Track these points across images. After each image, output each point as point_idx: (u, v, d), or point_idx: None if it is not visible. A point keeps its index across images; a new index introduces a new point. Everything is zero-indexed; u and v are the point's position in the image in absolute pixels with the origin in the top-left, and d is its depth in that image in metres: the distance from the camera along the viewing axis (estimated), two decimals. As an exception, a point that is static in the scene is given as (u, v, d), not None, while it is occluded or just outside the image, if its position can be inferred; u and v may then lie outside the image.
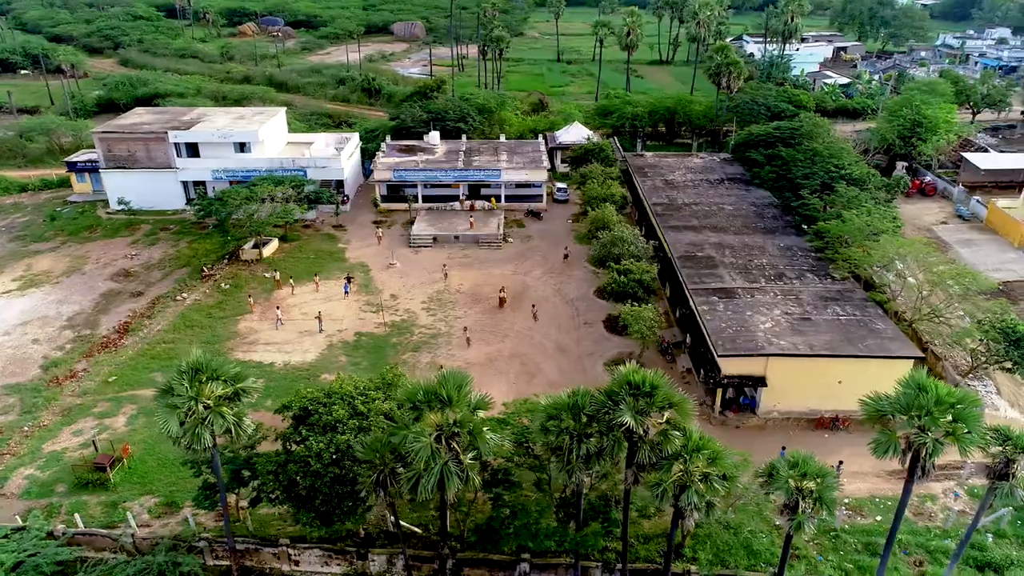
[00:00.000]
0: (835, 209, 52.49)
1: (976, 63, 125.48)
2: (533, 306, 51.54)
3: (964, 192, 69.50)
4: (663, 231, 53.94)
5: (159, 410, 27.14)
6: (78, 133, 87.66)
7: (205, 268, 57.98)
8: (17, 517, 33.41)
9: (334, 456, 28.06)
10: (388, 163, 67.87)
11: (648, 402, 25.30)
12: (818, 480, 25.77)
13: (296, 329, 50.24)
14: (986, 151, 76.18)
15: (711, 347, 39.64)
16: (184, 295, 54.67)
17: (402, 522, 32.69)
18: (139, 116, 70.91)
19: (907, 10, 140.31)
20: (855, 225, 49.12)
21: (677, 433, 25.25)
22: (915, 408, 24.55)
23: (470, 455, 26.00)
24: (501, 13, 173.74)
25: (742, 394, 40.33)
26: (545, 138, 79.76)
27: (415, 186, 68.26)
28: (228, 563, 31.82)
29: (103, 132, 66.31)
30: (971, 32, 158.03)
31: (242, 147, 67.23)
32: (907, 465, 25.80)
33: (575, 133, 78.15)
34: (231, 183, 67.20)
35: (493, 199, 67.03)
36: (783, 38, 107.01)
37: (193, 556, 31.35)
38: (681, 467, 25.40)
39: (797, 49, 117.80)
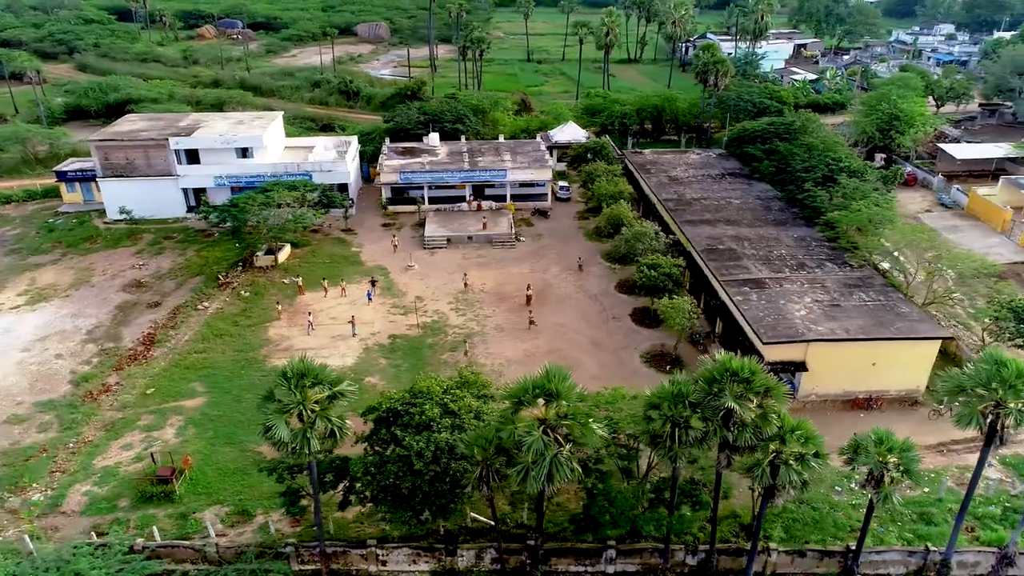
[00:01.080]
0: (842, 200, 54.96)
1: (929, 58, 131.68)
2: (530, 311, 51.60)
3: (943, 181, 73.34)
4: (680, 226, 55.61)
5: (267, 416, 27.18)
6: (55, 141, 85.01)
7: (220, 276, 57.25)
8: (93, 533, 32.89)
9: (435, 454, 28.60)
10: (394, 165, 67.99)
11: (746, 388, 26.68)
12: (902, 453, 27.56)
13: (328, 334, 50.20)
14: (958, 142, 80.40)
15: (754, 335, 41.37)
16: (205, 304, 53.93)
17: (475, 515, 33.46)
18: (133, 123, 69.27)
19: (860, 7, 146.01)
20: (865, 215, 51.71)
21: (775, 416, 26.68)
22: (996, 381, 26.41)
23: (568, 447, 26.96)
24: (466, 14, 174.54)
25: (781, 379, 42.04)
26: (543, 137, 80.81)
27: (420, 188, 68.55)
28: (313, 567, 32.00)
29: (100, 140, 64.61)
30: (916, 28, 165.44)
31: (244, 153, 66.40)
32: (985, 434, 27.65)
33: (569, 132, 79.49)
34: (232, 189, 66.48)
35: (511, 203, 67.81)
36: (754, 36, 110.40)
37: (281, 562, 31.42)
38: (777, 447, 26.88)
39: (762, 47, 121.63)
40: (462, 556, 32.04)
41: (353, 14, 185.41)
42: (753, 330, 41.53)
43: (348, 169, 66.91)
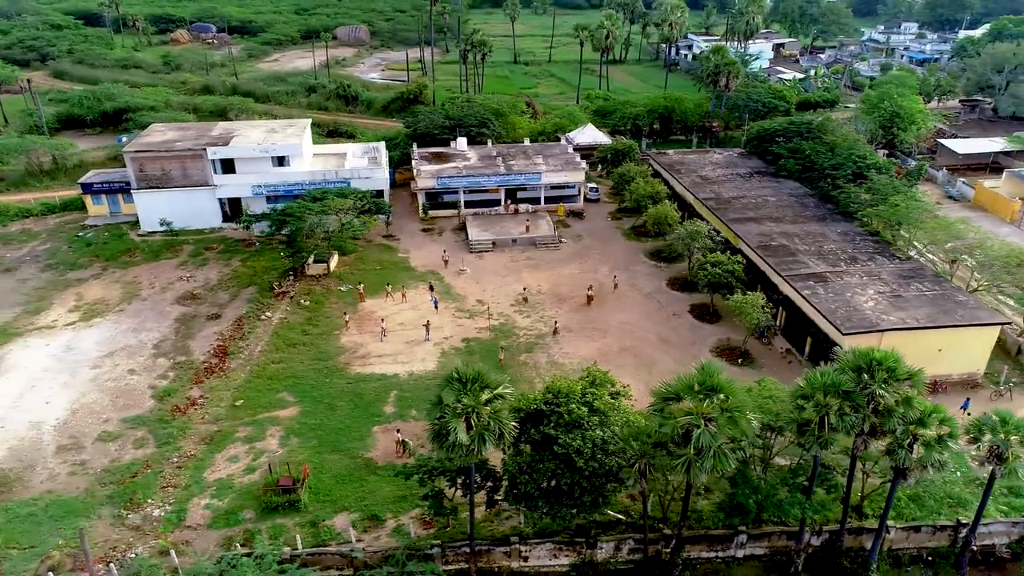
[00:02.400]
0: (875, 196, 57.89)
1: (902, 56, 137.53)
2: (555, 323, 51.74)
3: (948, 175, 77.40)
4: (727, 224, 57.78)
5: (440, 422, 28.03)
6: (61, 152, 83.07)
7: (275, 286, 57.22)
8: (238, 544, 33.20)
9: (591, 451, 29.90)
10: (431, 170, 68.66)
11: (890, 375, 28.68)
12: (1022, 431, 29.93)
13: (401, 340, 50.82)
14: (955, 137, 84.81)
15: (832, 326, 43.65)
16: (267, 314, 53.94)
17: (607, 511, 34.81)
18: (163, 134, 68.32)
19: (832, 7, 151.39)
20: (906, 210, 54.74)
21: (919, 402, 28.76)
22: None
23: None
24: (439, 16, 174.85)
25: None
26: (558, 139, 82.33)
27: (454, 192, 69.38)
28: (457, 567, 32.91)
29: (136, 151, 63.64)
30: (881, 27, 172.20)
31: (280, 161, 66.23)
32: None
33: (590, 135, 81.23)
34: (268, 198, 66.31)
35: (560, 206, 69.23)
36: (744, 37, 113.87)
37: (430, 563, 32.27)
38: (915, 430, 28.98)
39: (746, 48, 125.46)
40: (601, 548, 33.37)
41: (329, 17, 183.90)
42: (830, 322, 43.82)
43: (385, 175, 67.24)
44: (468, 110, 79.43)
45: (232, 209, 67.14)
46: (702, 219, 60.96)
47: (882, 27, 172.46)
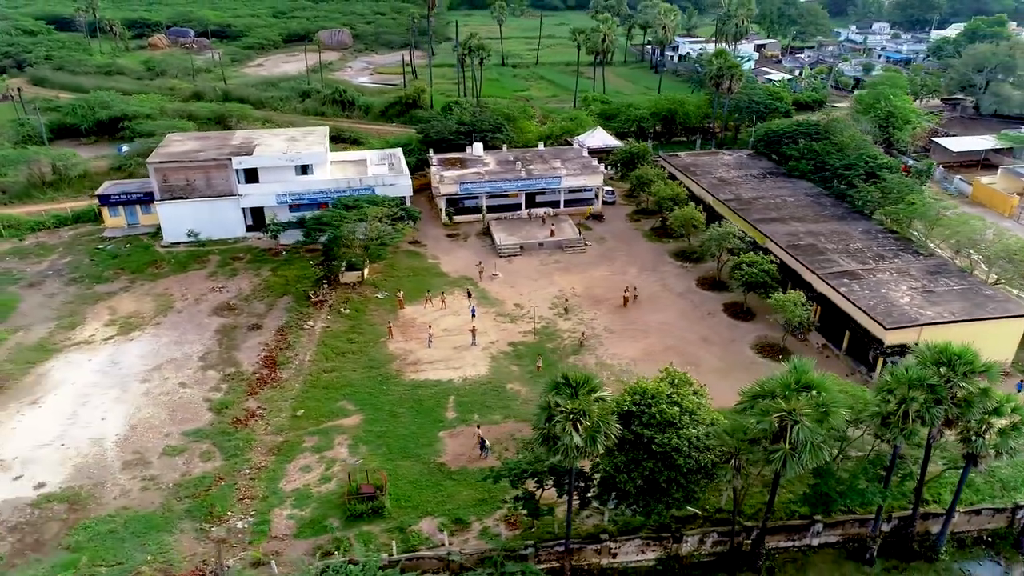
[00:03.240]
0: (893, 195, 60.24)
1: (879, 56, 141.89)
2: (583, 334, 52.20)
3: (945, 172, 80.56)
4: (753, 225, 59.60)
5: (548, 425, 28.94)
6: (64, 162, 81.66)
7: (311, 295, 57.39)
8: (336, 553, 33.70)
9: (688, 449, 31.14)
10: (454, 176, 69.35)
11: (970, 368, 30.46)
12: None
13: (448, 346, 51.48)
14: (948, 135, 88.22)
15: (874, 322, 45.59)
16: (310, 323, 54.17)
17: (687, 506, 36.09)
18: (182, 144, 67.79)
19: (809, 8, 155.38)
20: (924, 209, 57.20)
21: (996, 393, 30.59)
22: None
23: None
24: (422, 19, 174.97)
25: (895, 362, 46.54)
26: (567, 143, 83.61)
27: (475, 197, 70.15)
28: (548, 566, 33.86)
29: (160, 162, 63.09)
30: (853, 27, 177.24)
31: (304, 170, 66.29)
32: None
33: (600, 138, 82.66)
34: (291, 207, 66.33)
35: (588, 208, 70.56)
36: (734, 39, 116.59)
37: (527, 563, 33.17)
38: (989, 419, 30.83)
39: (736, 50, 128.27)
40: (686, 542, 34.65)
41: (309, 20, 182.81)
42: (872, 318, 45.78)
43: (408, 182, 67.74)
44: (480, 115, 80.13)
45: (254, 218, 66.92)
46: (723, 220, 62.73)
47: (854, 27, 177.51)
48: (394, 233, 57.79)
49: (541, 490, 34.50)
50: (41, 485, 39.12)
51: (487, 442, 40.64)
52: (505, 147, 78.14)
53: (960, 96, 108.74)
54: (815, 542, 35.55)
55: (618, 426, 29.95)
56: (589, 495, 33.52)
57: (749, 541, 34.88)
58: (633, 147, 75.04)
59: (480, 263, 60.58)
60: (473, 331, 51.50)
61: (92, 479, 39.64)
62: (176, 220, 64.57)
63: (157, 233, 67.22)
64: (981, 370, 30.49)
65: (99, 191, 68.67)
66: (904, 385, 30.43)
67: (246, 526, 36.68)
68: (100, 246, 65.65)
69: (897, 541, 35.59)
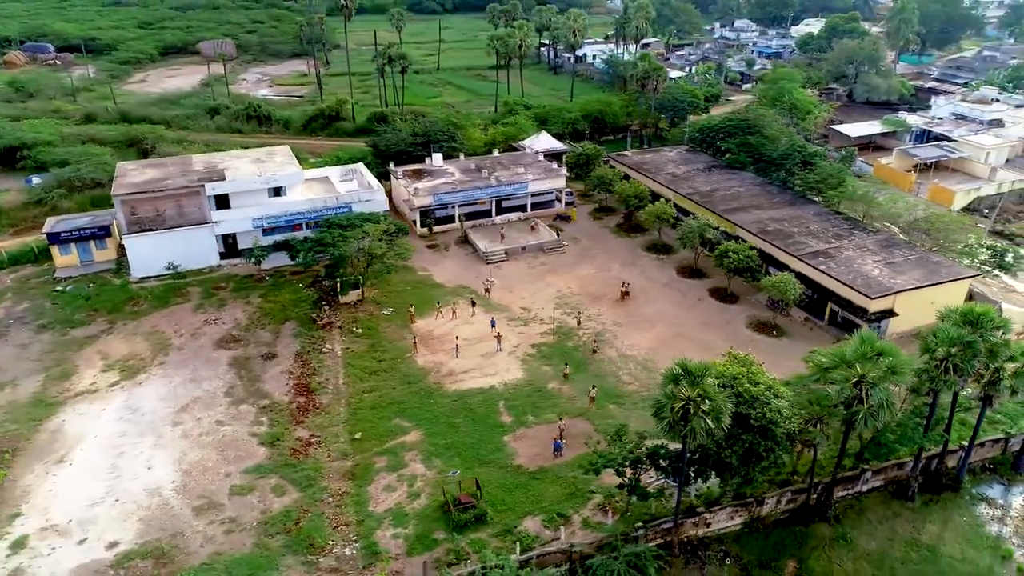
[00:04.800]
0: (830, 180, 68.04)
1: (752, 51, 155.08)
2: (594, 342, 53.62)
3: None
4: (721, 215, 65.24)
5: (672, 412, 31.94)
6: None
7: (317, 318, 56.81)
8: (471, 562, 34.89)
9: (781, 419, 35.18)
10: (427, 188, 70.28)
11: (993, 325, 36.60)
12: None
13: (475, 354, 52.99)
14: (842, 123, 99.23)
15: (858, 293, 52.09)
16: (328, 346, 53.80)
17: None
18: (139, 173, 64.07)
19: (684, 8, 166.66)
20: (860, 192, 65.28)
21: (1012, 343, 36.92)
22: None
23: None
24: (309, 26, 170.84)
25: (877, 326, 53.42)
26: (513, 148, 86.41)
27: (445, 207, 71.47)
28: (657, 543, 36.89)
29: (127, 194, 59.57)
30: (717, 24, 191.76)
31: (277, 192, 64.94)
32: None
33: (545, 142, 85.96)
34: (264, 231, 64.87)
35: (573, 211, 73.51)
36: (635, 41, 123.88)
37: (642, 544, 35.99)
38: (1002, 364, 37.20)
39: (637, 51, 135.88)
40: (766, 504, 38.85)
41: (184, 31, 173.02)
42: (855, 289, 52.29)
43: (384, 197, 67.99)
44: (431, 125, 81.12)
45: (226, 246, 64.69)
46: (688, 213, 68.14)
47: (718, 24, 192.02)
48: (399, 250, 58.13)
49: (637, 475, 37.38)
50: (114, 544, 37.27)
51: (562, 442, 42.89)
52: (463, 155, 79.68)
53: (834, 86, 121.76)
54: (865, 488, 40.90)
55: (730, 406, 33.40)
56: (692, 472, 36.74)
57: (815, 495, 39.58)
58: (587, 149, 78.96)
59: (487, 279, 61.52)
60: (498, 337, 53.34)
61: (167, 530, 38.20)
62: (146, 253, 61.25)
63: (119, 270, 63.42)
64: (1000, 326, 36.63)
65: (46, 228, 63.59)
66: (946, 344, 36.03)
67: (354, 552, 36.99)
68: (59, 288, 61.01)
69: (927, 478, 41.63)
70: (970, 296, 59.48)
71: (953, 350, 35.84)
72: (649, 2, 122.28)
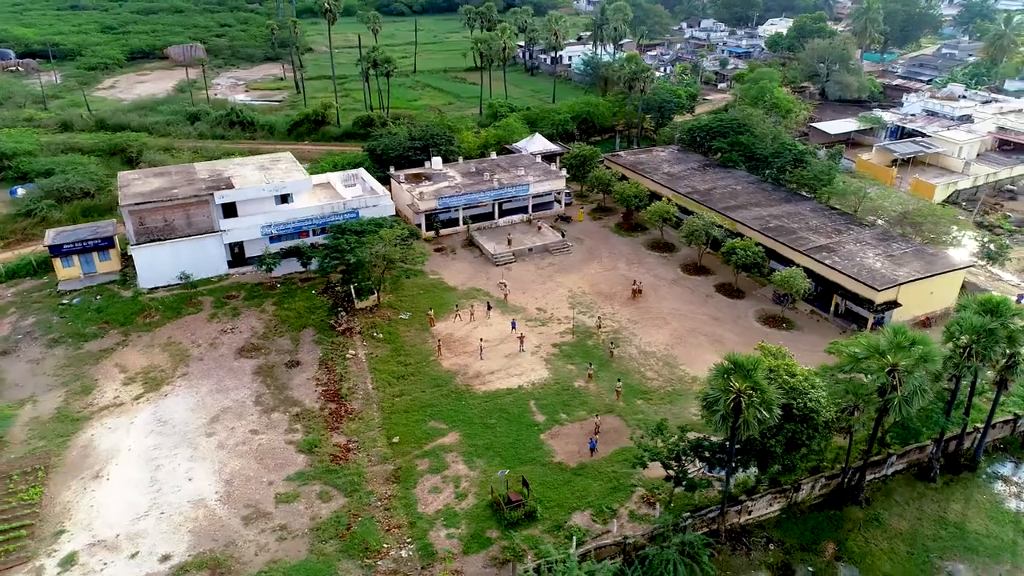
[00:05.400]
0: (823, 177, 70.56)
1: (722, 51, 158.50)
2: (612, 348, 53.77)
3: (828, 151, 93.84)
4: (722, 212, 67.08)
5: (723, 404, 33.30)
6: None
7: (335, 325, 56.93)
8: (527, 560, 35.72)
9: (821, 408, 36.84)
10: (432, 191, 70.75)
11: (1012, 312, 38.85)
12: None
13: (498, 355, 53.77)
14: (819, 120, 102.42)
15: (864, 286, 54.31)
16: (351, 352, 54.01)
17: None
18: (143, 183, 63.08)
19: (654, 10, 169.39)
20: (852, 188, 67.89)
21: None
22: None
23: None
24: (280, 29, 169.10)
25: (882, 317, 55.75)
26: (508, 150, 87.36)
27: (447, 211, 72.05)
28: (704, 530, 38.26)
29: (135, 204, 58.75)
30: (683, 24, 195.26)
31: (284, 199, 64.74)
32: None
33: (539, 144, 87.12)
34: (271, 238, 64.64)
35: (580, 212, 74.62)
36: (613, 42, 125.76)
37: (691, 533, 37.30)
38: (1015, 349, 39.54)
39: (616, 52, 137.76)
40: (802, 490, 40.54)
41: (150, 35, 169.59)
42: (862, 282, 54.52)
43: (390, 202, 68.25)
44: (428, 129, 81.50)
45: (233, 254, 64.27)
46: (688, 212, 69.89)
47: (684, 24, 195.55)
48: (415, 254, 58.53)
49: (683, 467, 38.66)
50: (167, 557, 37.16)
51: (595, 440, 43.99)
52: (461, 159, 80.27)
53: (806, 84, 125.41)
54: (890, 471, 42.92)
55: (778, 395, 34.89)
56: (734, 462, 38.16)
57: (845, 480, 41.43)
58: (584, 150, 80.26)
59: (505, 284, 62.03)
60: (521, 339, 54.21)
61: (218, 540, 38.21)
62: (155, 264, 60.58)
63: (126, 281, 62.58)
64: (1016, 313, 38.92)
65: (48, 240, 62.33)
66: (970, 332, 38.14)
67: (410, 553, 37.53)
68: (64, 301, 59.94)
69: (947, 459, 43.86)
70: (962, 286, 62.48)
71: (976, 337, 37.94)
72: (626, 3, 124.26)
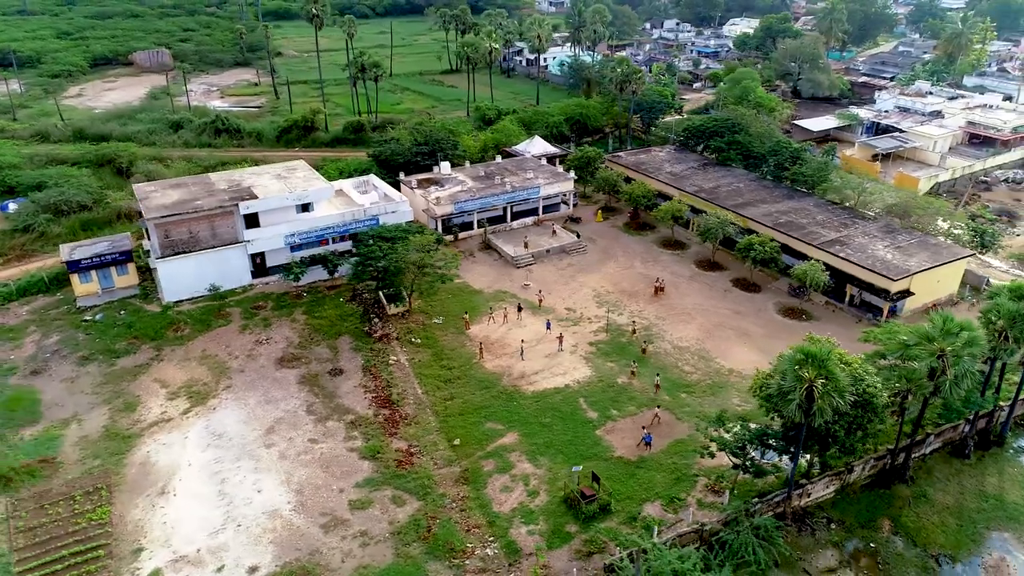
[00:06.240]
0: (821, 173, 73.80)
1: (691, 51, 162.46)
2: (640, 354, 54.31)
3: (814, 147, 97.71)
4: (733, 210, 69.49)
5: (796, 393, 35.25)
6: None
7: (371, 332, 57.34)
8: (617, 548, 37.09)
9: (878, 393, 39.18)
10: (447, 196, 71.50)
11: (1041, 297, 41.94)
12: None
13: (539, 356, 54.98)
14: (801, 118, 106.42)
15: (880, 276, 57.28)
16: (394, 358, 54.54)
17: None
18: (162, 195, 62.17)
19: (623, 11, 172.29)
20: (852, 183, 71.25)
21: (1054, 311, 42.34)
22: None
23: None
24: (249, 32, 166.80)
25: (895, 305, 58.84)
26: (507, 153, 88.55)
27: (462, 215, 72.94)
28: (771, 513, 40.26)
29: (161, 217, 58.00)
30: (647, 25, 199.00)
31: (305, 207, 64.71)
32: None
33: (540, 146, 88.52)
34: (291, 248, 64.55)
35: (599, 212, 76.18)
36: (592, 44, 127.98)
37: (761, 516, 39.23)
38: (1046, 332, 42.68)
39: (592, 53, 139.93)
40: (854, 471, 42.93)
41: (111, 41, 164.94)
42: (878, 273, 57.50)
43: (408, 208, 68.76)
44: (433, 134, 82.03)
45: (255, 264, 63.93)
46: (697, 211, 72.24)
47: (648, 24, 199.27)
48: (448, 259, 59.26)
49: (750, 455, 40.59)
50: (254, 569, 37.40)
51: (651, 435, 45.64)
52: (468, 163, 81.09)
53: (779, 83, 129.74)
54: (928, 450, 45.70)
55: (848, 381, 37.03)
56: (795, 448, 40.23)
57: (892, 460, 44.01)
58: (588, 151, 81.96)
59: (536, 289, 62.92)
60: (560, 339, 55.54)
61: (302, 549, 38.58)
62: (179, 276, 59.93)
63: (147, 295, 61.77)
64: (1046, 297, 42.02)
65: (65, 256, 61.02)
66: (1007, 317, 41.03)
67: (495, 551, 38.53)
68: (87, 317, 58.85)
69: (978, 434, 46.94)
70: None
71: (1012, 321, 40.86)
72: (604, 7, 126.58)
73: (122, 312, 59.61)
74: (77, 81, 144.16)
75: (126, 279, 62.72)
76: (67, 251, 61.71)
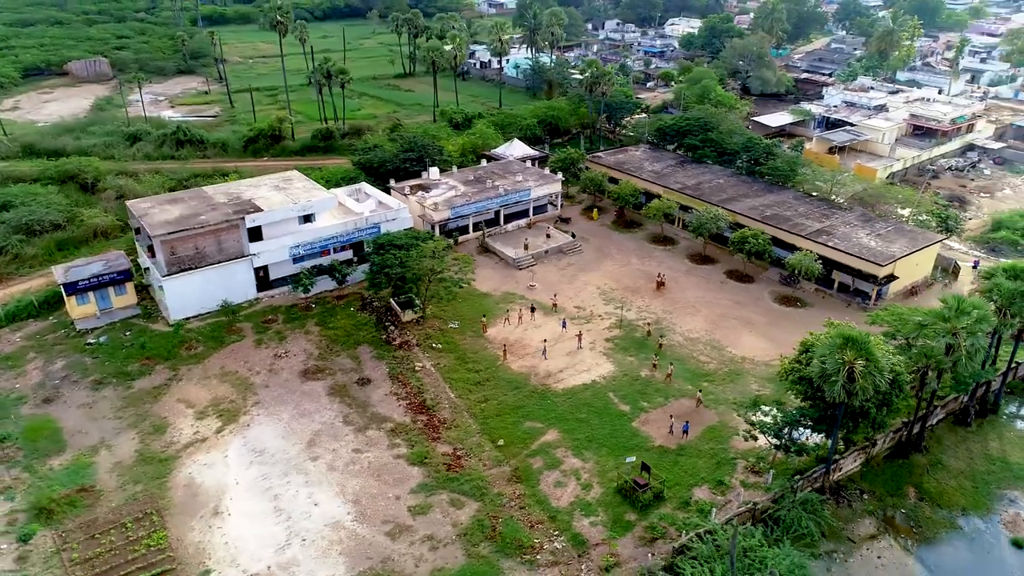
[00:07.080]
0: (794, 167, 78.01)
1: (638, 50, 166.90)
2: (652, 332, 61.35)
3: (777, 143, 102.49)
4: (719, 205, 72.65)
5: (840, 375, 38.00)
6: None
7: (390, 340, 57.67)
8: (683, 536, 38.95)
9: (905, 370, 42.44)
10: (444, 201, 72.13)
11: (1034, 276, 46.13)
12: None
13: (560, 354, 56.49)
14: (759, 114, 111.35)
15: (868, 263, 61.27)
16: (419, 364, 55.06)
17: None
18: (160, 211, 60.56)
19: (570, 13, 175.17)
20: (825, 176, 75.66)
21: (1044, 288, 46.65)
22: None
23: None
24: (190, 39, 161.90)
25: (882, 290, 62.99)
26: (489, 157, 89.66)
27: (457, 219, 73.75)
28: (809, 489, 43.04)
29: (167, 233, 56.63)
30: (589, 26, 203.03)
31: (307, 218, 64.30)
32: None
33: (519, 149, 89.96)
34: (294, 259, 64.11)
35: (595, 211, 77.90)
36: (550, 46, 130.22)
37: (803, 492, 41.91)
38: (1037, 307, 47.02)
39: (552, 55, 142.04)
40: (876, 444, 46.22)
41: (40, 50, 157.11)
42: (866, 260, 61.49)
43: (408, 215, 69.10)
44: (418, 140, 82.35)
45: (258, 277, 63.13)
46: (684, 207, 75.21)
47: (589, 25, 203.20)
48: (463, 265, 60.02)
49: (790, 435, 43.20)
50: (330, 581, 37.62)
51: (688, 423, 47.85)
52: (455, 167, 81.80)
53: (729, 80, 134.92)
54: (934, 420, 49.52)
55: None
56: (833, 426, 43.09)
57: (905, 433, 47.55)
58: (572, 153, 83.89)
59: (555, 294, 63.97)
60: (580, 336, 57.20)
61: (373, 558, 39.03)
62: (185, 294, 58.69)
63: (149, 315, 60.24)
64: (1037, 276, 46.26)
65: (60, 279, 58.78)
66: (1006, 295, 44.99)
67: (563, 544, 39.88)
68: (91, 340, 57.01)
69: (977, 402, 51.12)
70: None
71: (1011, 299, 44.87)
72: (561, 10, 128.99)
73: (127, 333, 57.99)
74: (10, 93, 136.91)
75: (124, 299, 60.98)
76: (61, 273, 59.47)
